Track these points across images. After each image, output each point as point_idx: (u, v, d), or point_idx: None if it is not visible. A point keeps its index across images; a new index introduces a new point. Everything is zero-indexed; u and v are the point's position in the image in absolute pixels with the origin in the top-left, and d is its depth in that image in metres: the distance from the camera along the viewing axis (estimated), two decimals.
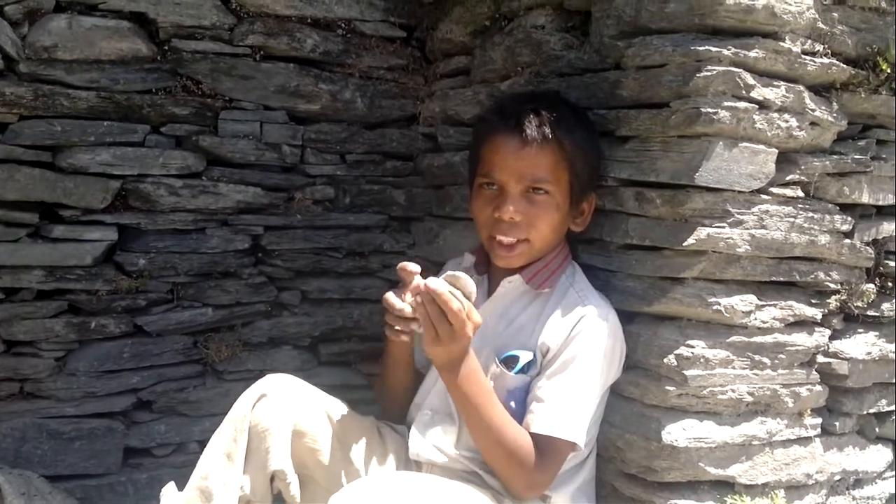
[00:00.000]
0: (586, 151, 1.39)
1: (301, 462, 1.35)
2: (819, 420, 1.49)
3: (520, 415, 1.31)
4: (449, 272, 1.23)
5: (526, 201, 1.36)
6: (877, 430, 1.58)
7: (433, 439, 1.38)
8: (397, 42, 1.95)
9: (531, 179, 1.36)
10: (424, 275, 1.23)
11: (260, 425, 1.31)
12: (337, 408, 1.42)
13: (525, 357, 1.34)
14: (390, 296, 1.25)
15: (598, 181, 1.45)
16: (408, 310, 1.22)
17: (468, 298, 1.21)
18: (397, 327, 1.25)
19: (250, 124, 1.82)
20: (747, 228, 1.35)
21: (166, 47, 1.74)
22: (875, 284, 1.52)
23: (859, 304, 1.48)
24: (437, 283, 1.18)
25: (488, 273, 1.48)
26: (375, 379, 1.69)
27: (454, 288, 1.20)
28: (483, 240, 1.44)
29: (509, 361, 1.34)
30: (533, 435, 1.28)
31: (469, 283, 1.22)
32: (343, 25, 1.88)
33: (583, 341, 1.31)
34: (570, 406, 1.28)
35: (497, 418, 1.26)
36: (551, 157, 1.36)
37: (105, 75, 1.69)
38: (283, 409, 1.33)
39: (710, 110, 1.28)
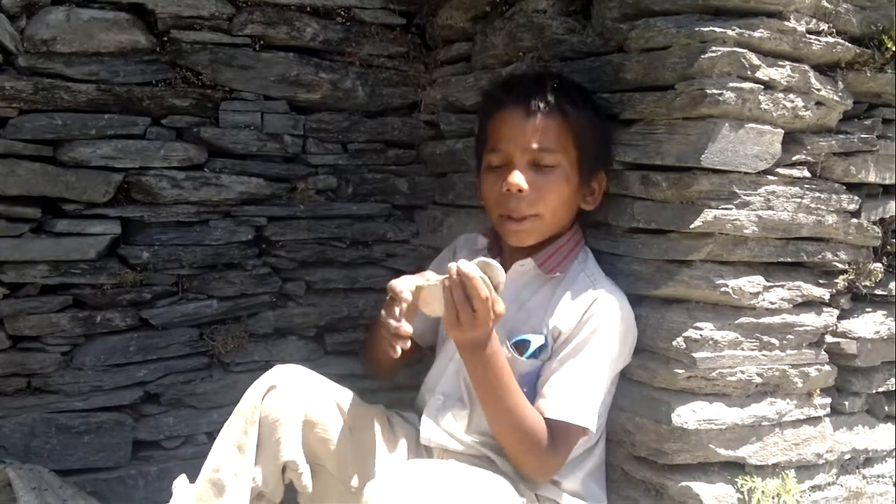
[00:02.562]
0: (592, 125, 1.39)
1: (312, 452, 1.35)
2: (828, 400, 1.49)
3: (530, 398, 1.31)
4: (481, 258, 1.21)
5: (533, 172, 1.36)
6: (886, 408, 1.58)
7: (445, 424, 1.38)
8: (397, 29, 1.93)
9: (537, 148, 1.35)
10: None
11: (271, 416, 1.31)
12: (346, 397, 1.42)
13: (536, 341, 1.33)
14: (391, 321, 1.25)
15: (607, 158, 1.44)
16: (404, 327, 1.24)
17: (496, 288, 1.19)
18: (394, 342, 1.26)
19: (251, 115, 1.81)
20: (754, 209, 1.35)
21: (165, 38, 1.73)
22: (882, 263, 1.51)
23: (867, 283, 1.48)
24: (469, 267, 1.17)
25: (500, 257, 1.48)
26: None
27: (484, 275, 1.18)
28: (493, 220, 1.43)
29: (520, 346, 1.34)
30: (546, 420, 1.28)
31: (500, 272, 1.20)
32: (342, 13, 1.87)
33: (594, 326, 1.30)
34: (581, 391, 1.28)
35: (515, 402, 1.26)
36: (556, 126, 1.36)
37: (104, 68, 1.67)
38: (294, 400, 1.33)
39: (715, 91, 1.27)
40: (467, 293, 1.16)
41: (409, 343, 1.26)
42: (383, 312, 1.28)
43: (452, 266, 1.18)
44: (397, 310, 1.25)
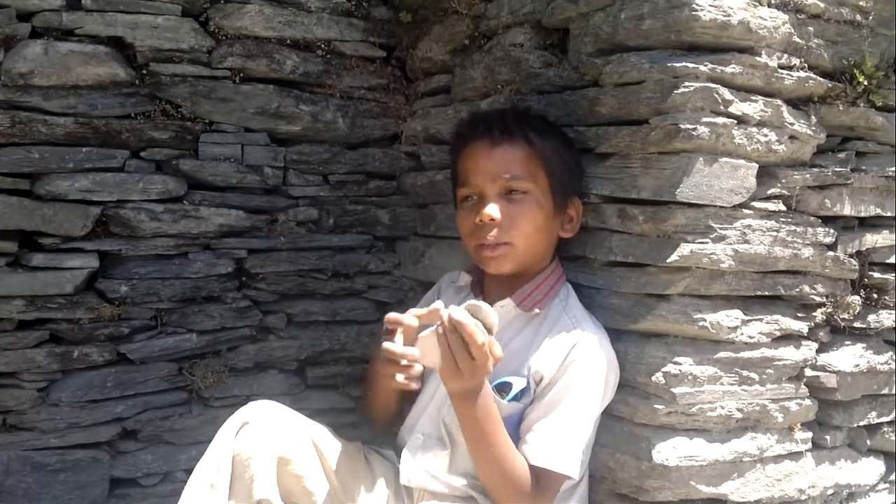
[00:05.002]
0: (560, 151, 1.40)
1: (287, 490, 1.32)
2: (809, 434, 1.48)
3: (514, 441, 1.29)
4: (470, 302, 1.17)
5: (505, 202, 1.37)
6: (868, 442, 1.57)
7: (425, 464, 1.36)
8: (377, 62, 1.95)
9: (505, 177, 1.36)
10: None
11: (243, 453, 1.29)
12: (322, 434, 1.40)
13: (518, 384, 1.32)
14: (390, 345, 1.22)
15: (580, 185, 1.44)
16: (409, 351, 1.19)
17: (489, 330, 1.15)
18: (401, 375, 1.23)
19: (231, 147, 1.81)
20: (730, 243, 1.34)
21: (144, 71, 1.73)
22: (860, 296, 1.51)
23: (845, 316, 1.47)
24: (461, 314, 1.13)
25: (483, 294, 1.47)
26: (362, 401, 1.66)
27: (476, 320, 1.14)
28: (471, 252, 1.43)
29: (503, 388, 1.32)
30: (529, 466, 1.26)
31: (491, 313, 1.16)
32: (323, 46, 1.88)
33: (576, 371, 1.29)
34: (564, 438, 1.27)
35: (503, 448, 1.25)
36: (523, 154, 1.37)
37: (83, 101, 1.68)
38: (267, 437, 1.31)
39: (688, 126, 1.27)
40: (463, 340, 1.14)
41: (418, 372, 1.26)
42: (384, 346, 1.24)
43: (444, 314, 1.16)
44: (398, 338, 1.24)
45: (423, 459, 1.36)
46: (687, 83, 1.28)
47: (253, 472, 1.28)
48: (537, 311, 1.37)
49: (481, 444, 1.25)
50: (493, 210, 1.35)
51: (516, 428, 1.31)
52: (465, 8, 1.73)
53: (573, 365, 1.29)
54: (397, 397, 1.47)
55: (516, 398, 1.32)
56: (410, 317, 1.25)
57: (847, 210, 1.48)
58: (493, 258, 1.37)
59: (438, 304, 1.19)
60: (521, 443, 1.29)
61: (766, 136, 1.35)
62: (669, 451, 1.33)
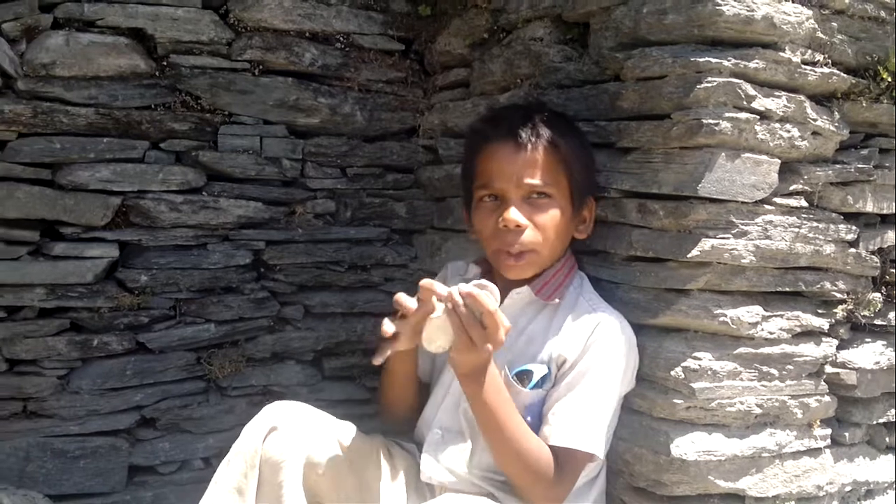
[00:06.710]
0: (580, 153, 1.39)
1: (313, 492, 1.32)
2: (828, 431, 1.48)
3: (536, 429, 1.29)
4: (475, 281, 1.20)
5: (528, 206, 1.36)
6: (887, 440, 1.57)
7: (445, 461, 1.36)
8: (396, 55, 1.95)
9: (530, 182, 1.35)
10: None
11: (272, 459, 1.28)
12: (347, 433, 1.39)
13: (539, 371, 1.32)
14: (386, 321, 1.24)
15: (595, 185, 1.44)
16: (390, 329, 1.22)
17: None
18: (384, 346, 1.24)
19: (250, 139, 1.82)
20: (752, 239, 1.34)
21: (165, 63, 1.74)
22: (881, 293, 1.50)
23: (866, 313, 1.47)
24: (470, 287, 1.17)
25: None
26: (377, 394, 1.67)
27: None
28: (489, 254, 1.42)
29: (523, 377, 1.33)
30: (551, 447, 1.26)
31: (495, 290, 1.19)
32: (341, 39, 1.88)
33: (599, 351, 1.29)
34: (588, 417, 1.27)
35: (517, 430, 1.25)
36: (548, 159, 1.36)
37: (103, 92, 1.68)
38: (296, 442, 1.30)
39: (711, 121, 1.27)
40: (474, 312, 1.16)
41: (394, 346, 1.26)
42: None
43: (454, 290, 1.17)
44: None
45: (443, 456, 1.36)
46: (710, 78, 1.28)
47: (282, 478, 1.28)
48: (557, 300, 1.37)
49: (493, 422, 1.24)
50: (517, 216, 1.34)
51: (539, 415, 1.31)
52: (485, 1, 1.73)
53: (595, 345, 1.30)
54: (413, 388, 1.48)
55: (538, 385, 1.32)
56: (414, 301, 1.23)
57: (869, 207, 1.47)
58: (516, 266, 1.36)
59: (454, 289, 1.18)
60: (542, 425, 1.29)
61: (788, 131, 1.35)
62: (688, 446, 1.33)
